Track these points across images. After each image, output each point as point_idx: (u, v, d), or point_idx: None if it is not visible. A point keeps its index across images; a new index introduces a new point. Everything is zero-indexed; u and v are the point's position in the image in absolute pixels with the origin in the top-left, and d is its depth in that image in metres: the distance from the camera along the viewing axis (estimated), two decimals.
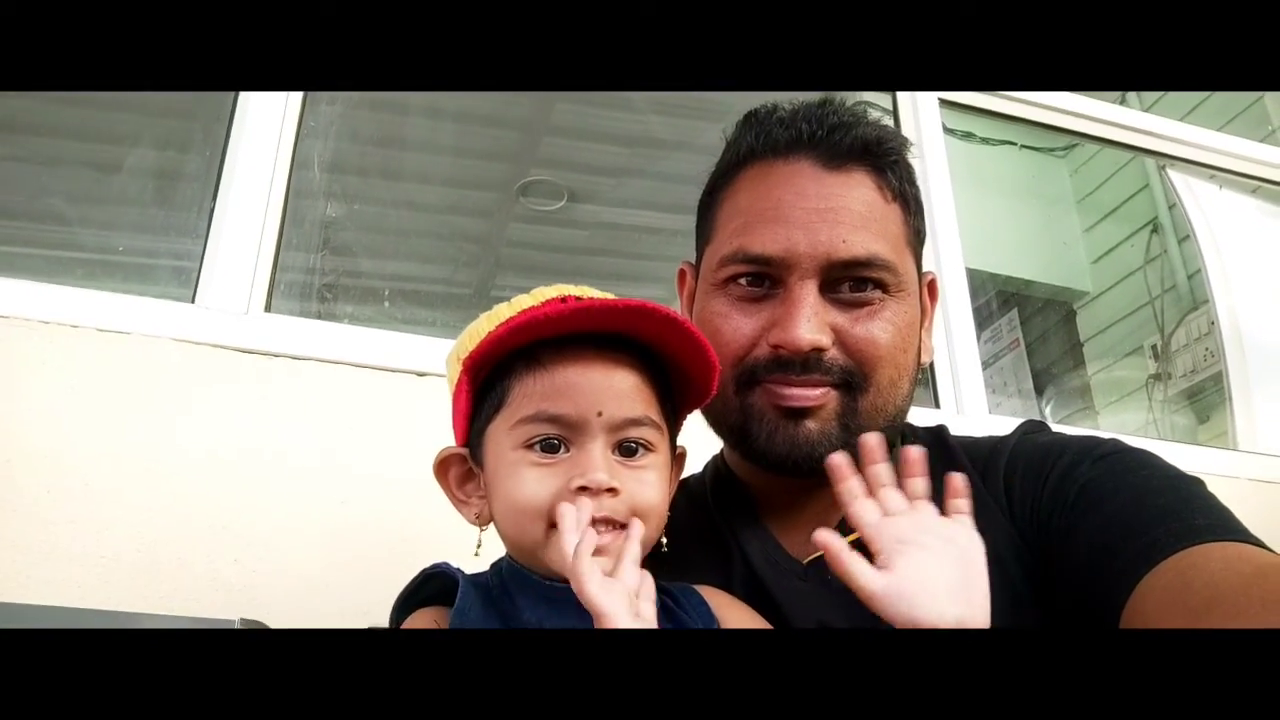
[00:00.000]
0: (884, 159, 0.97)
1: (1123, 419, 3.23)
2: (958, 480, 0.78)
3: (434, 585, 0.85)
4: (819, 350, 0.92)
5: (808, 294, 0.92)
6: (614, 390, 0.81)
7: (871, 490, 0.79)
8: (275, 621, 1.24)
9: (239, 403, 1.58)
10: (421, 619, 0.83)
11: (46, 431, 1.47)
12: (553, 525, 0.78)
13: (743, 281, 0.96)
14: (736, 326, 0.96)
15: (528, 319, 0.79)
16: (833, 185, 0.95)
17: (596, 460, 0.79)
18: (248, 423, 1.57)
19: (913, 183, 1.01)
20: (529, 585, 0.82)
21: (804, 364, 0.92)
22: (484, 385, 0.85)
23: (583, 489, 0.78)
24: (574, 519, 0.73)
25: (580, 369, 0.81)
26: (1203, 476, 0.89)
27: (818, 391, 0.93)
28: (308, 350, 1.66)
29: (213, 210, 1.78)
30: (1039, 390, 3.35)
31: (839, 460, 0.81)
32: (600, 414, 0.80)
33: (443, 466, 0.89)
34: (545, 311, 0.79)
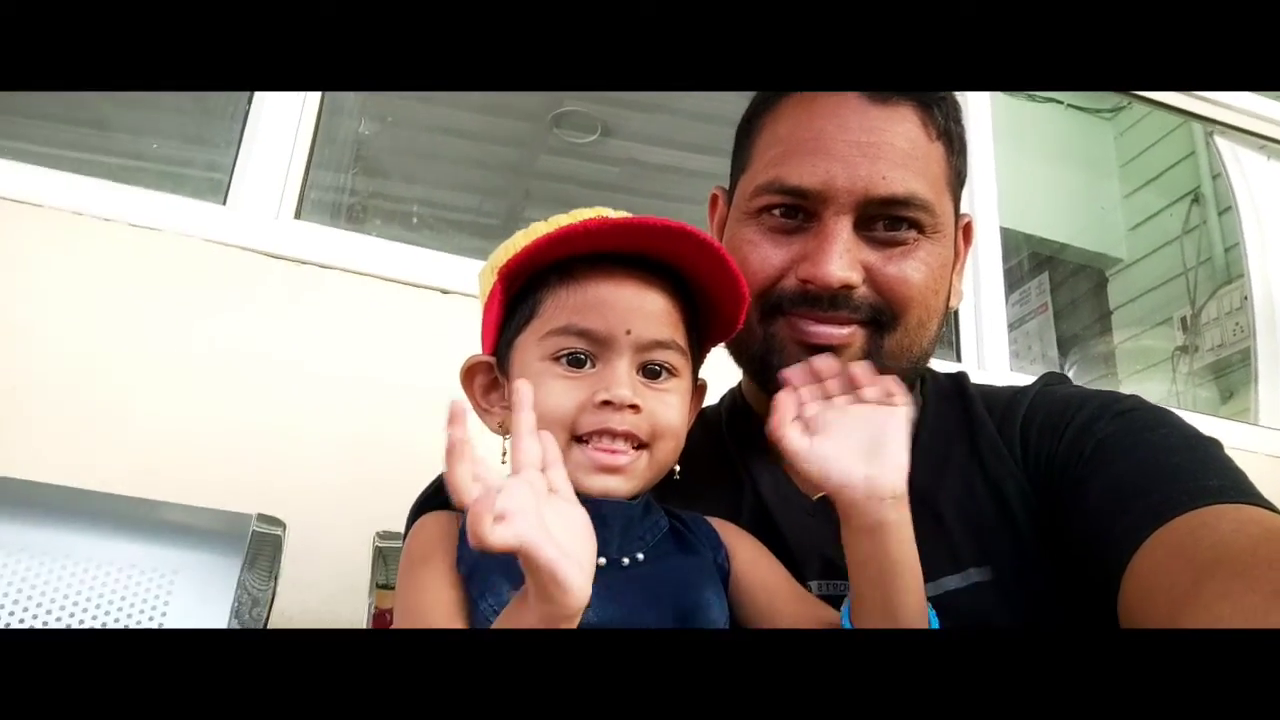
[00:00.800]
0: (931, 95, 0.95)
1: (1145, 388, 3.20)
2: (857, 370, 0.82)
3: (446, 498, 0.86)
4: (848, 288, 0.90)
5: (842, 230, 0.91)
6: (644, 310, 0.82)
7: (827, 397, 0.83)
8: (291, 521, 1.27)
9: (266, 306, 1.60)
10: (434, 522, 0.84)
11: (74, 320, 1.49)
12: (575, 437, 0.79)
13: (776, 212, 0.95)
14: (765, 256, 0.94)
15: (566, 232, 0.79)
16: (877, 119, 0.92)
17: (621, 376, 0.80)
18: (273, 327, 1.59)
19: (958, 121, 0.98)
20: None
21: (832, 300, 0.91)
22: (516, 296, 0.85)
23: (606, 403, 0.79)
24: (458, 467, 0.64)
25: (613, 286, 0.81)
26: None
27: (845, 330, 0.92)
28: (335, 260, 1.67)
29: (246, 116, 1.78)
30: (1063, 357, 3.32)
31: (791, 373, 0.84)
32: (629, 332, 0.80)
33: (469, 374, 0.89)
34: (585, 225, 0.79)
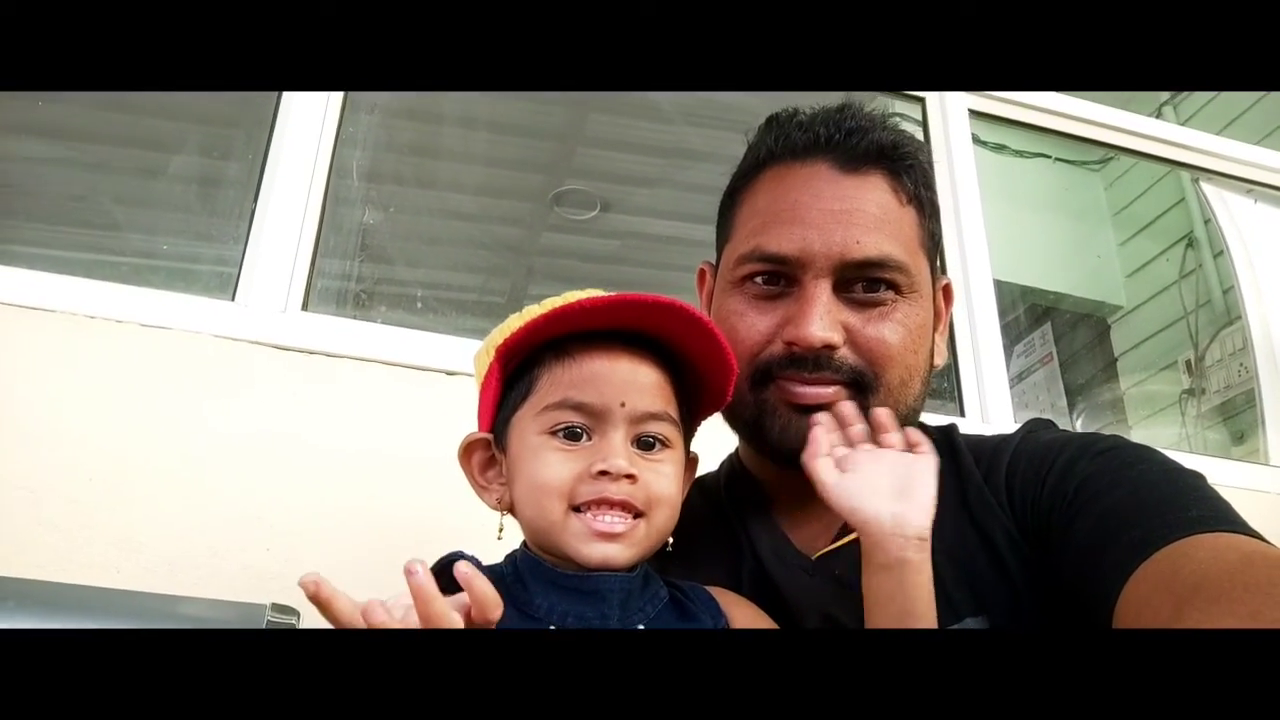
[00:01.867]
0: (900, 162, 0.99)
1: (1155, 433, 3.19)
2: (881, 415, 0.90)
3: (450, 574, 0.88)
4: (830, 348, 0.94)
5: (821, 292, 0.94)
6: (638, 384, 0.85)
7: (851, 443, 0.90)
8: (305, 608, 1.28)
9: (276, 398, 1.63)
10: None
11: (90, 421, 1.52)
12: (573, 507, 0.81)
13: (759, 280, 0.98)
14: (752, 323, 0.98)
15: (562, 311, 0.83)
16: (848, 188, 0.97)
17: (617, 447, 0.82)
18: (283, 417, 1.61)
19: (929, 186, 1.03)
20: (541, 572, 0.84)
21: (816, 361, 0.94)
22: (513, 375, 0.89)
23: (603, 473, 0.81)
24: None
25: (607, 360, 0.85)
26: (1234, 490, 0.89)
27: (830, 389, 0.95)
28: (343, 349, 1.70)
29: (253, 213, 1.83)
30: (1071, 406, 3.32)
31: (820, 415, 0.91)
32: (623, 404, 0.83)
33: (467, 451, 0.92)
34: (579, 304, 0.83)
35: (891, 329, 0.96)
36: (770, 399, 0.97)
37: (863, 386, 0.95)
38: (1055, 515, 0.89)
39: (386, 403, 1.69)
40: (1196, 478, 0.87)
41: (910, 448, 0.87)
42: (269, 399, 1.62)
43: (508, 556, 0.90)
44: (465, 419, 1.75)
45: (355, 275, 2.42)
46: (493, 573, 0.86)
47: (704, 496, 1.06)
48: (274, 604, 1.27)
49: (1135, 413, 3.33)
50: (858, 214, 0.95)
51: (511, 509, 0.89)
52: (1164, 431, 3.17)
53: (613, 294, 0.86)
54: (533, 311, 0.88)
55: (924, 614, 0.79)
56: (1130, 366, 3.36)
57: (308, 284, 1.80)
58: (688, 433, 0.93)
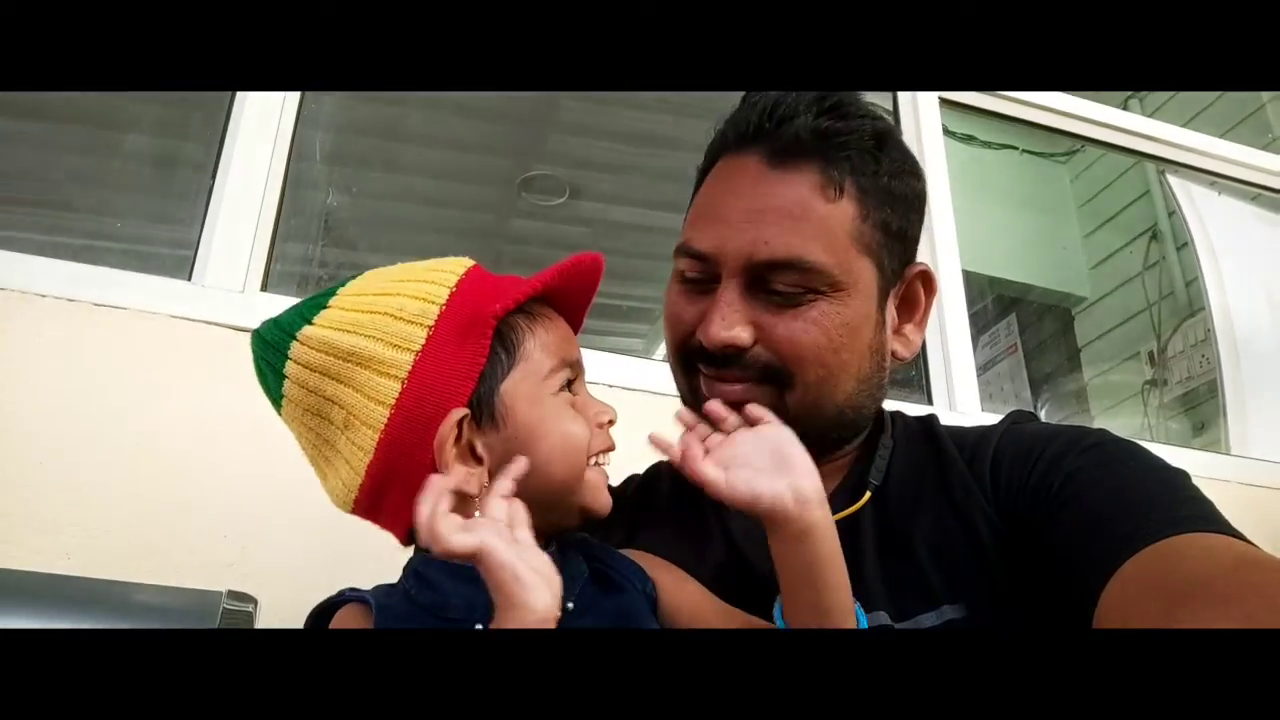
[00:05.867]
0: (834, 152, 0.94)
1: (1118, 423, 3.23)
2: (754, 410, 0.89)
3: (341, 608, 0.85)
4: (733, 347, 0.93)
5: (727, 291, 0.94)
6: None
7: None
8: (262, 595, 1.25)
9: (234, 380, 1.58)
10: (348, 616, 0.83)
11: (40, 403, 1.48)
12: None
13: (688, 273, 0.99)
14: (679, 313, 1.00)
15: (558, 268, 0.87)
16: (771, 183, 0.94)
17: (597, 399, 0.91)
18: (241, 401, 1.56)
19: (875, 173, 0.97)
20: (445, 570, 0.80)
21: (724, 359, 0.94)
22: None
23: (609, 422, 0.89)
24: (436, 486, 0.72)
25: (559, 322, 0.90)
26: (1195, 479, 0.88)
27: (737, 387, 0.95)
28: None
29: (210, 193, 1.79)
30: (1035, 396, 3.35)
31: (684, 414, 0.92)
32: (578, 360, 0.91)
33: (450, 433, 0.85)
34: (559, 268, 0.87)
35: (804, 327, 0.93)
36: (699, 389, 0.98)
37: (779, 382, 0.94)
38: (1040, 507, 0.89)
39: None
40: (1183, 477, 0.87)
41: (754, 424, 0.87)
42: (227, 381, 1.58)
43: (403, 570, 0.86)
44: None
45: (319, 259, 2.37)
46: (391, 589, 0.84)
47: (674, 474, 1.05)
48: (230, 591, 1.24)
49: (1098, 403, 3.37)
50: (770, 213, 0.93)
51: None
52: (1126, 422, 3.20)
53: (549, 268, 0.88)
54: (447, 279, 0.86)
55: (835, 570, 0.80)
56: (1094, 357, 3.39)
57: (267, 264, 1.76)
58: None
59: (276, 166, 1.84)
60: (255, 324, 1.62)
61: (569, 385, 0.87)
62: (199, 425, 1.54)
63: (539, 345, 0.85)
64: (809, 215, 0.93)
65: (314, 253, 2.34)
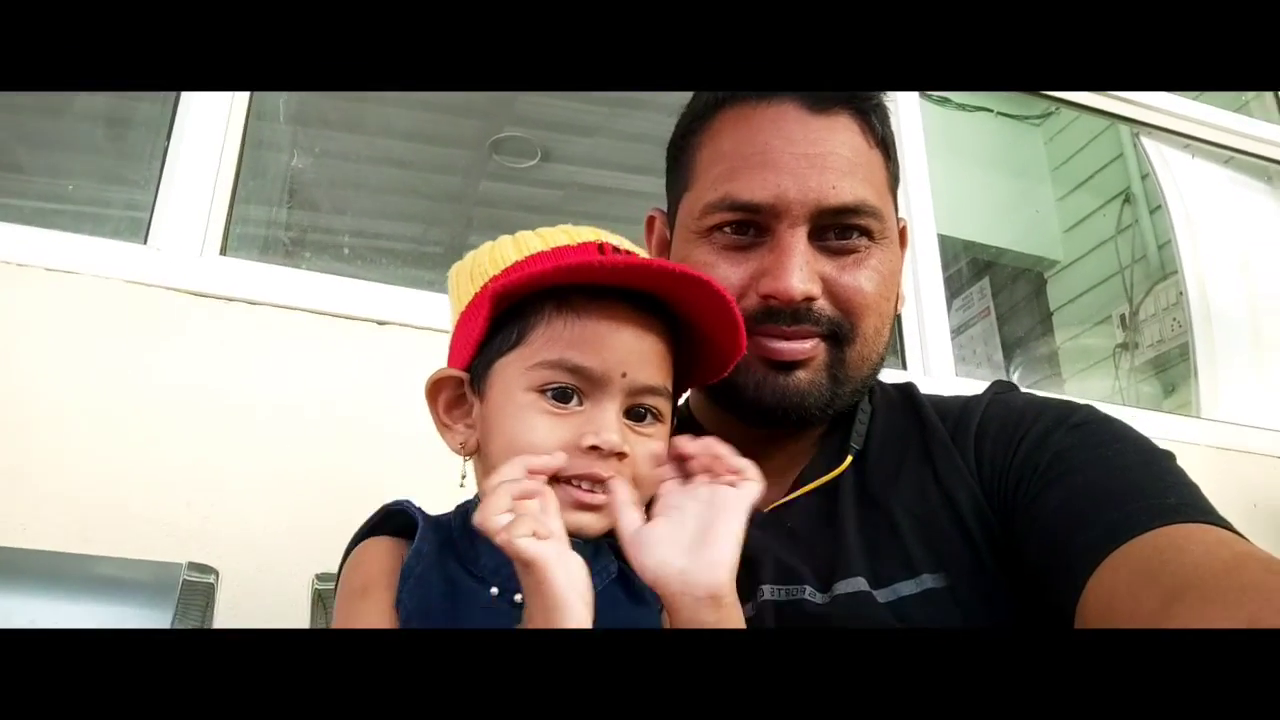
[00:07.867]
0: (866, 102, 0.95)
1: (1089, 386, 3.25)
2: (692, 447, 0.78)
3: (395, 522, 0.82)
4: (810, 299, 0.90)
5: (798, 242, 0.90)
6: (641, 353, 0.78)
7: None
8: (223, 566, 1.22)
9: (192, 347, 1.55)
10: (378, 548, 0.80)
11: None
12: (551, 477, 0.74)
13: (728, 230, 0.93)
14: (724, 276, 0.91)
15: (579, 263, 0.75)
16: (820, 129, 0.92)
17: (611, 421, 0.76)
18: (201, 367, 1.53)
19: (889, 125, 0.99)
20: None
21: (794, 314, 0.90)
22: (502, 316, 0.80)
23: (593, 448, 0.75)
24: (506, 481, 0.69)
25: (612, 323, 0.77)
26: (1165, 443, 0.88)
27: (809, 344, 0.92)
28: (265, 296, 1.62)
29: (165, 152, 1.73)
30: (1008, 360, 3.36)
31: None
32: (624, 375, 0.76)
33: (436, 387, 0.83)
34: (600, 261, 0.75)
35: (867, 277, 0.93)
36: (745, 354, 0.91)
37: (840, 337, 0.92)
38: (1025, 484, 0.87)
39: (312, 353, 1.62)
40: (1170, 459, 0.85)
41: (735, 477, 0.77)
42: (184, 347, 1.54)
43: (458, 507, 0.83)
44: (396, 372, 1.69)
45: (283, 222, 2.32)
46: (439, 523, 0.81)
47: None
48: (191, 563, 1.22)
49: (1070, 366, 3.39)
50: (832, 157, 0.91)
51: (475, 453, 0.82)
52: (1098, 385, 3.23)
53: (621, 251, 0.80)
54: (530, 245, 0.81)
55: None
56: (1066, 320, 3.41)
57: (226, 227, 1.70)
58: (675, 404, 0.87)
59: (234, 126, 1.78)
60: (213, 288, 1.59)
61: (564, 391, 0.77)
62: (157, 392, 1.49)
63: (547, 335, 0.77)
64: (861, 160, 0.93)
65: (278, 215, 2.29)
